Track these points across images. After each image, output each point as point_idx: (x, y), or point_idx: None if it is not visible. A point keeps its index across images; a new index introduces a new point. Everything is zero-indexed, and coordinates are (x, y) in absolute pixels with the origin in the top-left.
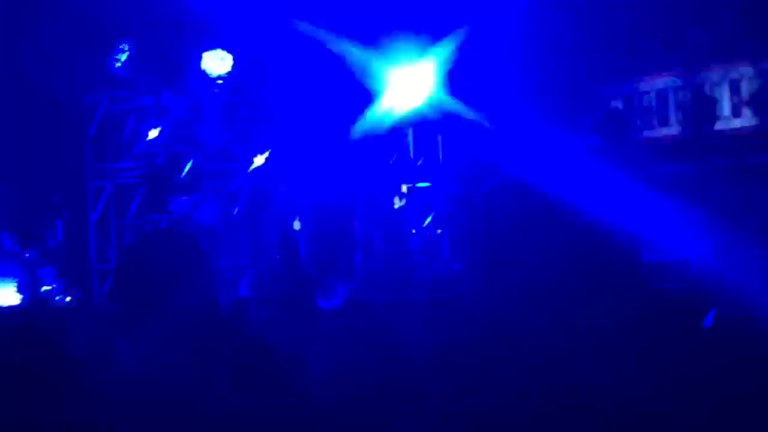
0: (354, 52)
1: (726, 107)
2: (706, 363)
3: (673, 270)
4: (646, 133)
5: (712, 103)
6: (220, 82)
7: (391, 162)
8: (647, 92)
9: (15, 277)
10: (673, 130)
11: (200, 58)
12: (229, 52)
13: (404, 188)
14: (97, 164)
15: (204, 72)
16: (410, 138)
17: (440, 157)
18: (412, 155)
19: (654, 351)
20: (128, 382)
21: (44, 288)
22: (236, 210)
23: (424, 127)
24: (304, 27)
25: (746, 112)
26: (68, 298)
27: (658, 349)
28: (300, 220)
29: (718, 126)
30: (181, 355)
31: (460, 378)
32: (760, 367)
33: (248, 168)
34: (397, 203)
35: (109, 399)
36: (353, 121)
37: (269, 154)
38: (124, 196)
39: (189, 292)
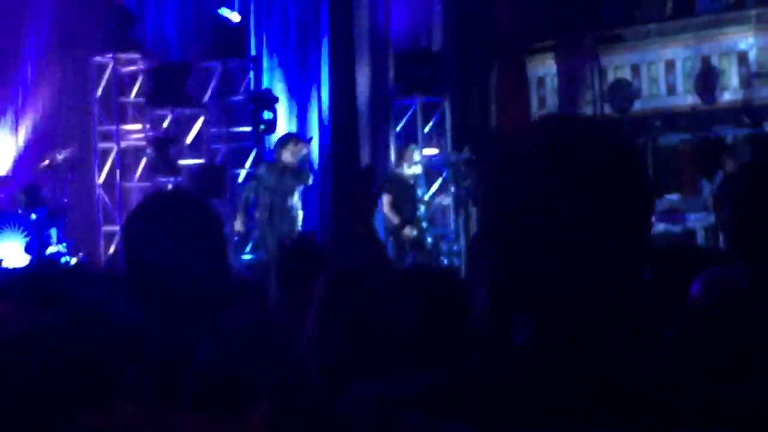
0: None
1: (734, 79)
2: None
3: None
4: (653, 103)
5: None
6: None
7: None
8: (654, 61)
9: (27, 234)
10: (680, 99)
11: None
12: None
13: (416, 156)
14: (104, 126)
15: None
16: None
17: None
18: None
19: None
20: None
21: (51, 249)
22: (243, 173)
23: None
24: None
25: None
26: (74, 260)
27: None
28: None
29: (727, 97)
30: (189, 326)
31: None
32: None
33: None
34: (410, 170)
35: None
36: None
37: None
38: (131, 158)
39: (202, 258)
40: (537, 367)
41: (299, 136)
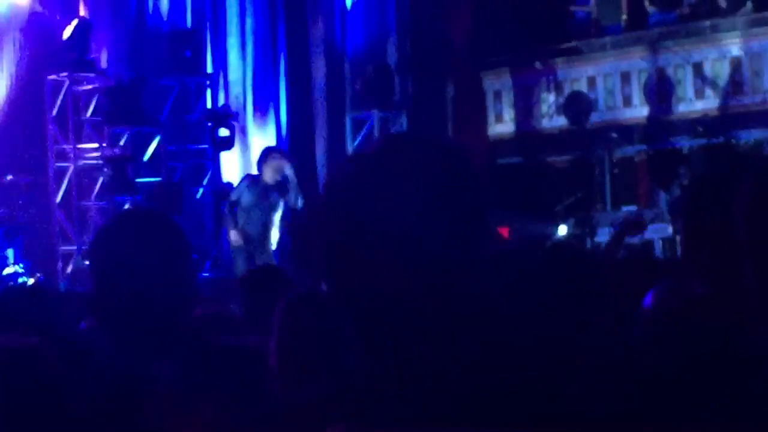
0: None
1: (689, 90)
2: None
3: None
4: (610, 115)
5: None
6: None
7: None
8: (610, 74)
9: None
10: (636, 111)
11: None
12: None
13: None
14: (59, 145)
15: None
16: (375, 119)
17: None
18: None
19: None
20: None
21: (7, 270)
22: (201, 191)
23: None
24: None
25: (709, 94)
26: (31, 280)
27: None
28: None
29: (682, 108)
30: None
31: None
32: None
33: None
34: None
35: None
36: None
37: None
38: (88, 177)
39: (168, 280)
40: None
41: (282, 152)
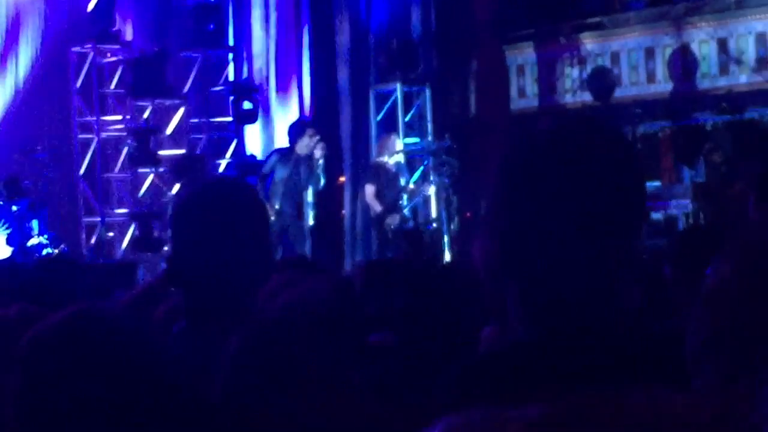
0: None
1: (714, 66)
2: None
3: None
4: (633, 90)
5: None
6: None
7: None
8: (634, 49)
9: (8, 226)
10: (660, 87)
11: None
12: None
13: (398, 145)
14: (84, 117)
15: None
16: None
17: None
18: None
19: None
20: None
21: (32, 241)
22: (223, 164)
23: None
24: None
25: (734, 70)
26: (56, 251)
27: None
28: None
29: (706, 84)
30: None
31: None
32: None
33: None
34: (391, 159)
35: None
36: None
37: None
38: (111, 149)
39: (248, 251)
40: (535, 347)
41: (314, 127)
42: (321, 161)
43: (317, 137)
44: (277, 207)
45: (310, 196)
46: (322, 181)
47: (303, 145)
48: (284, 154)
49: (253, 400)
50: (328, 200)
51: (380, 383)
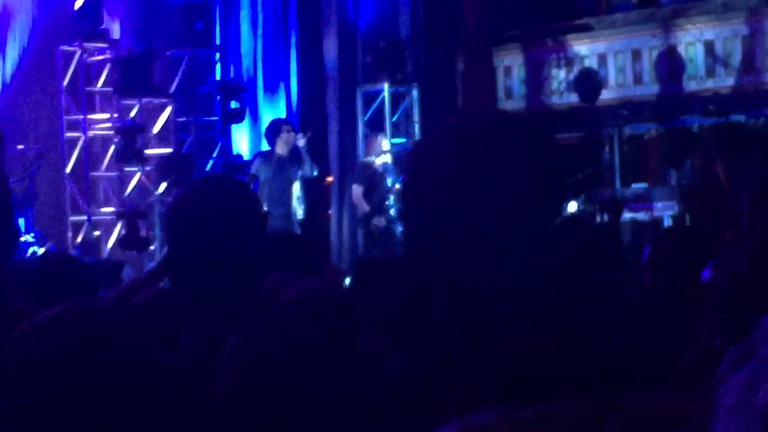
0: None
1: (701, 68)
2: None
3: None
4: (620, 92)
5: (686, 63)
6: None
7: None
8: (621, 51)
9: None
10: (646, 89)
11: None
12: None
13: (385, 144)
14: (71, 115)
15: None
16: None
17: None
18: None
19: None
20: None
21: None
22: (210, 163)
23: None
24: None
25: (720, 72)
26: (42, 250)
27: None
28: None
29: (692, 86)
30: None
31: None
32: None
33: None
34: (378, 160)
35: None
36: None
37: None
38: (98, 147)
39: (244, 247)
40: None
41: (291, 123)
42: (306, 148)
43: (293, 131)
44: (264, 209)
45: (298, 190)
46: (315, 170)
47: (282, 144)
48: (266, 156)
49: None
50: (315, 200)
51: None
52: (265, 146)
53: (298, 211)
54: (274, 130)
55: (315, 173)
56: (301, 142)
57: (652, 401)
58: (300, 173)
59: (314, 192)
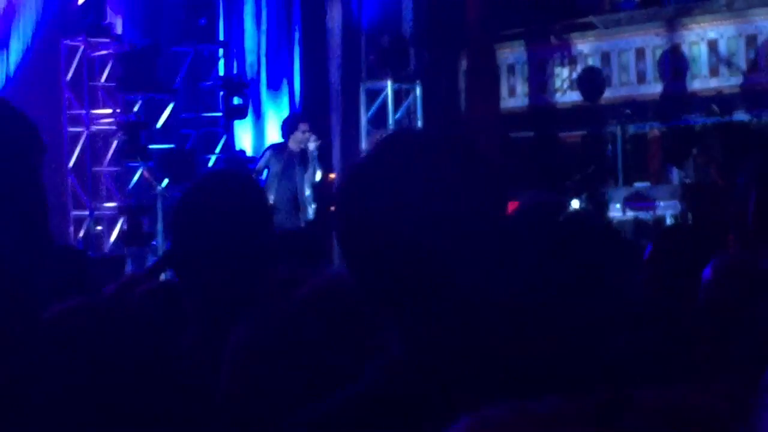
0: None
1: (704, 67)
2: None
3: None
4: (623, 91)
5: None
6: None
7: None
8: (625, 50)
9: None
10: (650, 88)
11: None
12: None
13: None
14: (74, 110)
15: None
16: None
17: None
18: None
19: None
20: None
21: None
22: (213, 159)
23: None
24: None
25: (724, 71)
26: None
27: None
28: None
29: (696, 85)
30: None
31: None
32: None
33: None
34: None
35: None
36: None
37: None
38: (101, 142)
39: (251, 242)
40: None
41: (308, 123)
42: (315, 153)
43: (309, 132)
44: (271, 202)
45: (307, 190)
46: (318, 174)
47: (295, 141)
48: (278, 149)
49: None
50: (320, 196)
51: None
52: (268, 142)
53: (309, 209)
54: (291, 124)
55: (317, 179)
56: (312, 145)
57: (669, 397)
58: (305, 175)
59: (318, 188)
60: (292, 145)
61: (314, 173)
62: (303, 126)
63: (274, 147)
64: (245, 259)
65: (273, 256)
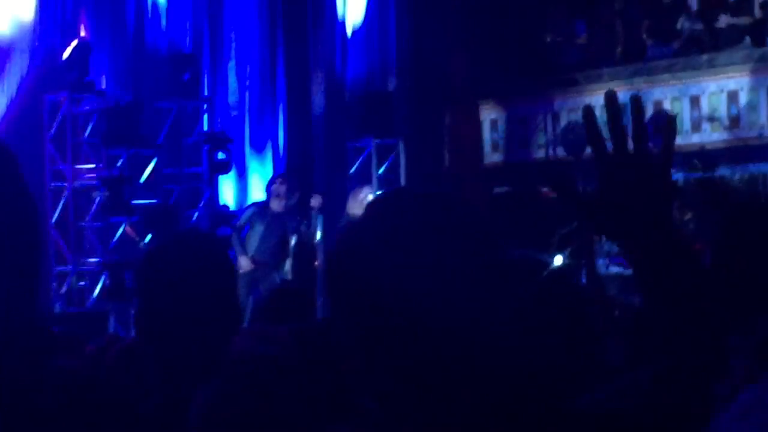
0: None
1: (686, 122)
2: None
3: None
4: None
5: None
6: None
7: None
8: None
9: None
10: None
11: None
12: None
13: (370, 197)
14: (56, 165)
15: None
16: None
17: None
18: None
19: None
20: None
21: None
22: (196, 214)
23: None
24: None
25: (706, 127)
26: None
27: None
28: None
29: (678, 141)
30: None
31: None
32: None
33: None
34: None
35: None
36: None
37: None
38: (84, 198)
39: (215, 304)
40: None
41: (286, 176)
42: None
43: (284, 185)
44: (250, 259)
45: (291, 245)
46: (318, 235)
47: (274, 199)
48: (261, 207)
49: None
50: (302, 253)
51: None
52: (252, 198)
53: (287, 264)
54: (268, 184)
55: (318, 237)
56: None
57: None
58: (302, 229)
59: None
60: (273, 204)
61: (314, 231)
62: (278, 179)
63: (257, 205)
64: (208, 322)
65: (236, 319)
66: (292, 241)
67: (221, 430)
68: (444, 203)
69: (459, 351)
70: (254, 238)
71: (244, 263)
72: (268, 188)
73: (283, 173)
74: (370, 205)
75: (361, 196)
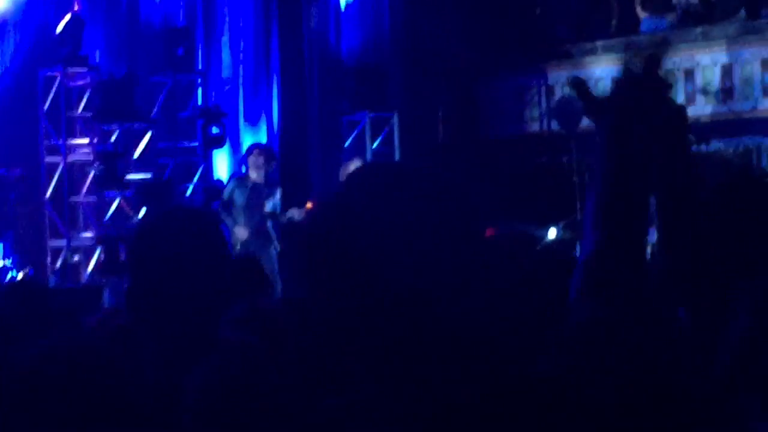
0: None
1: (680, 95)
2: None
3: None
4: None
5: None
6: None
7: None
8: (601, 78)
9: None
10: None
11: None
12: None
13: None
14: (51, 140)
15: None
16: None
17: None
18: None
19: None
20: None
21: None
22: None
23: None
24: None
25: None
26: (20, 275)
27: None
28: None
29: None
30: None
31: None
32: None
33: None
34: None
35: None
36: None
37: None
38: (78, 172)
39: (207, 280)
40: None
41: (263, 146)
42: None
43: (262, 156)
44: (241, 232)
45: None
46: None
47: (252, 168)
48: (240, 179)
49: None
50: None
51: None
52: None
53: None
54: (245, 154)
55: (278, 207)
56: (265, 163)
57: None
58: (271, 200)
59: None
60: (252, 173)
61: (274, 209)
62: (255, 150)
63: (236, 176)
64: (201, 298)
65: (229, 294)
66: (268, 207)
67: (217, 406)
68: (419, 175)
69: (437, 320)
70: (239, 211)
71: (239, 232)
72: (244, 160)
73: (258, 143)
74: (346, 181)
75: (352, 168)
